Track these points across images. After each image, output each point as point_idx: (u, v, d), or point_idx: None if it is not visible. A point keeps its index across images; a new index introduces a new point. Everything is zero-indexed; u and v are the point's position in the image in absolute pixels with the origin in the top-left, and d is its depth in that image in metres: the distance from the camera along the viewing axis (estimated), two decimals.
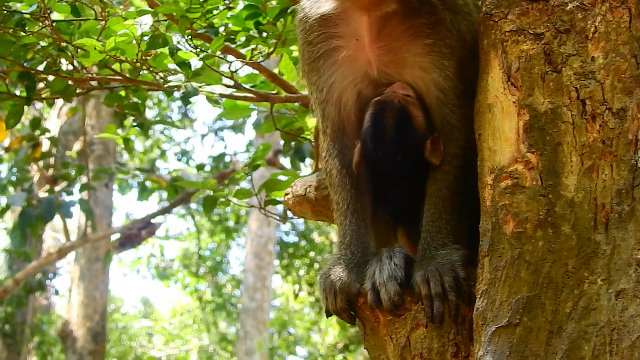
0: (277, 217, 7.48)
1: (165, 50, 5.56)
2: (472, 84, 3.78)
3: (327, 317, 3.99)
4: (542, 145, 3.43)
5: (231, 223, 23.95)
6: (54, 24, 5.13)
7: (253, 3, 5.88)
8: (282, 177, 6.51)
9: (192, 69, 5.50)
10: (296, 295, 23.99)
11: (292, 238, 23.36)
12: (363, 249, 3.98)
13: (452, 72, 3.86)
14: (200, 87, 5.35)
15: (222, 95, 5.71)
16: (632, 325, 3.15)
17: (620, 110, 3.38)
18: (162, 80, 5.59)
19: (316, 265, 21.91)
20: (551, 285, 3.30)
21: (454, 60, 3.86)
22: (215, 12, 5.88)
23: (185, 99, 5.28)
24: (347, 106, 4.07)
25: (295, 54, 6.38)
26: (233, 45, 5.85)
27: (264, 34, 5.78)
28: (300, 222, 21.90)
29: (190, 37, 5.46)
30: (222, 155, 18.50)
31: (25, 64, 5.45)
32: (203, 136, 25.73)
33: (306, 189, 5.17)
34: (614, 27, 3.46)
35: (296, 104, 6.29)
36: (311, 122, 6.54)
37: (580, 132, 3.40)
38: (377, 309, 3.73)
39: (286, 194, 5.38)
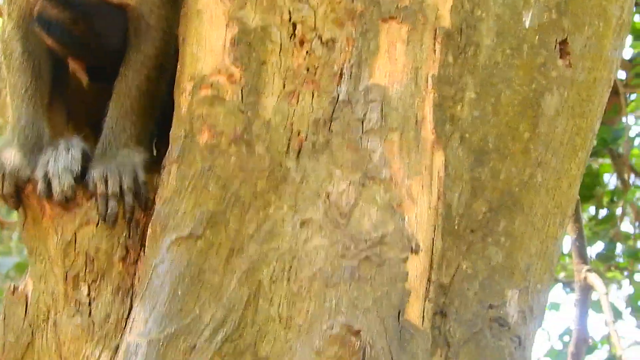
0: None
1: None
2: None
3: None
4: (248, 61, 3.35)
5: None
6: None
7: None
8: None
9: None
10: None
11: None
12: (38, 134, 3.72)
13: None
14: None
15: None
16: (314, 255, 3.22)
17: (329, 40, 3.36)
18: None
19: None
20: (238, 203, 3.29)
21: None
22: None
23: None
24: None
25: None
26: None
27: None
28: None
29: None
30: None
31: None
32: None
33: None
34: None
35: None
36: None
37: (286, 55, 3.36)
38: (45, 199, 3.52)
39: None
